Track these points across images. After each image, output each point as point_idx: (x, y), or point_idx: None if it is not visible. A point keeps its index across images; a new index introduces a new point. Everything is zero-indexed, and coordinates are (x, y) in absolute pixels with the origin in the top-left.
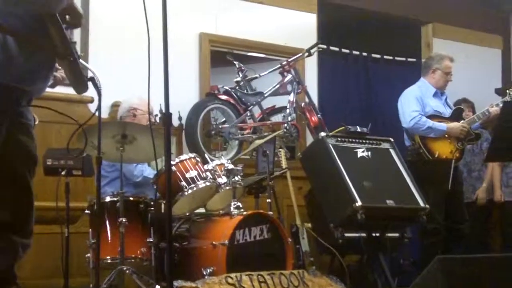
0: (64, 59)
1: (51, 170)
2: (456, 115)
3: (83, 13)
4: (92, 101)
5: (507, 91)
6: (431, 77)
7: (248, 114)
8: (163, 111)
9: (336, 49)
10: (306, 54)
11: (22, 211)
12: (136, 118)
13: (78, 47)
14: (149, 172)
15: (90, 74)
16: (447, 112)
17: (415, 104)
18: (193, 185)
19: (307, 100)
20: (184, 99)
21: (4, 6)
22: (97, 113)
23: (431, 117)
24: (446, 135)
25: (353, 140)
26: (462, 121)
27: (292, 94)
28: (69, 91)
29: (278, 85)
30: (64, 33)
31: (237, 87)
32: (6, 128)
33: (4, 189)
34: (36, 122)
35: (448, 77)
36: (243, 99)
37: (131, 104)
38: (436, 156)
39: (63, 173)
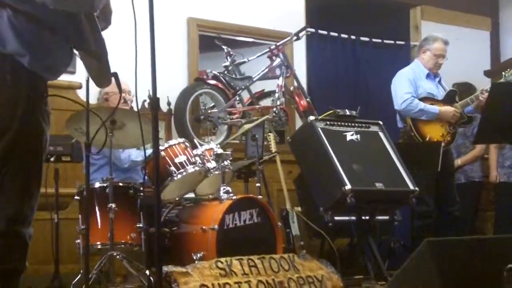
0: (96, 58)
1: None
2: (450, 98)
3: (112, 10)
4: (80, 87)
5: (503, 73)
6: (421, 58)
7: (237, 98)
8: (151, 96)
9: (325, 32)
10: (295, 38)
11: (32, 202)
12: (110, 101)
13: None
14: (136, 155)
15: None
16: (441, 94)
17: (407, 86)
18: (182, 170)
19: (296, 84)
20: (172, 84)
21: (53, 4)
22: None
23: (423, 99)
24: (438, 118)
25: (342, 123)
26: (455, 104)
27: (281, 78)
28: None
29: (266, 69)
30: (100, 34)
31: (225, 72)
32: (35, 117)
33: (27, 181)
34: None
35: (438, 59)
36: (232, 84)
37: (102, 89)
38: (427, 139)
39: (52, 159)
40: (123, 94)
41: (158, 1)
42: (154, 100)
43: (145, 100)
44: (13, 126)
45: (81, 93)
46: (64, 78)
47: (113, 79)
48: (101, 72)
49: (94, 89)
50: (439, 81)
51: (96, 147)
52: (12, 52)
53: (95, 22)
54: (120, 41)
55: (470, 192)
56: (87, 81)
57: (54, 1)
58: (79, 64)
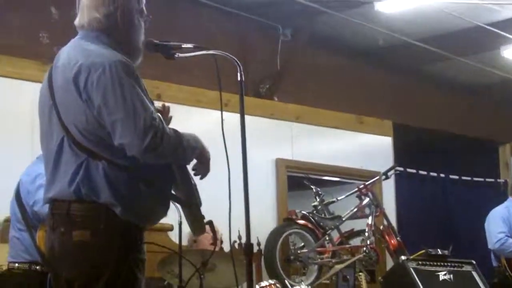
0: (186, 207)
1: None
2: None
3: (210, 157)
4: (171, 229)
5: None
6: None
7: (327, 238)
8: (241, 237)
9: (413, 171)
10: (383, 177)
11: None
12: (198, 243)
13: None
14: None
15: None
16: None
17: (501, 225)
18: None
19: (385, 222)
20: (262, 224)
21: (142, 155)
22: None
23: None
24: None
25: (435, 263)
26: None
27: (370, 217)
28: None
29: (356, 209)
30: (190, 182)
31: (314, 211)
32: (128, 266)
33: None
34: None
35: None
36: (321, 223)
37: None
38: None
39: None
40: (210, 237)
41: (247, 142)
42: (248, 246)
43: (235, 241)
44: (106, 273)
45: (172, 235)
46: None
47: (208, 227)
48: (193, 220)
49: (184, 231)
50: None
51: None
52: (106, 202)
53: (186, 171)
54: (209, 183)
55: None
56: (180, 224)
57: (143, 152)
58: (170, 206)
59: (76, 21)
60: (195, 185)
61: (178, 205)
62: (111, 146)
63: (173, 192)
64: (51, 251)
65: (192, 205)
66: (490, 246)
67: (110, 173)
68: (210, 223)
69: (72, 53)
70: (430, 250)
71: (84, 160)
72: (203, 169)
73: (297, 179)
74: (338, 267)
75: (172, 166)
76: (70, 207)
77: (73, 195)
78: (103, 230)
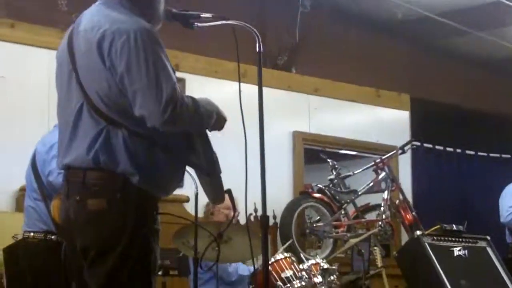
0: (206, 175)
1: None
2: None
3: (226, 118)
4: (187, 200)
5: None
6: None
7: (342, 212)
8: (257, 210)
9: (430, 146)
10: (400, 151)
11: None
12: (215, 215)
13: None
14: (242, 268)
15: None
16: None
17: None
18: (288, 285)
19: (401, 197)
20: (278, 197)
21: (162, 126)
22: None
23: None
24: None
25: (449, 238)
26: None
27: (386, 192)
28: None
29: (372, 183)
30: (211, 150)
31: (330, 185)
32: (143, 236)
33: None
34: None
35: None
36: (337, 197)
37: (208, 203)
38: None
39: (159, 272)
40: (228, 211)
41: (264, 115)
42: (264, 218)
43: (251, 214)
44: (122, 242)
45: (188, 206)
46: None
47: (226, 196)
48: (213, 189)
49: (200, 203)
50: None
51: (203, 261)
52: (124, 171)
53: (206, 138)
54: (225, 154)
55: None
56: (196, 196)
57: (163, 124)
58: (187, 177)
59: None
60: (215, 153)
61: (195, 176)
62: (132, 114)
63: (193, 160)
64: (66, 219)
65: (211, 174)
66: (501, 219)
67: (130, 142)
68: (229, 191)
69: (95, 18)
70: (445, 225)
71: (104, 128)
72: (215, 128)
73: (313, 152)
74: (353, 241)
75: (193, 134)
76: (86, 175)
77: (91, 162)
78: (120, 200)
